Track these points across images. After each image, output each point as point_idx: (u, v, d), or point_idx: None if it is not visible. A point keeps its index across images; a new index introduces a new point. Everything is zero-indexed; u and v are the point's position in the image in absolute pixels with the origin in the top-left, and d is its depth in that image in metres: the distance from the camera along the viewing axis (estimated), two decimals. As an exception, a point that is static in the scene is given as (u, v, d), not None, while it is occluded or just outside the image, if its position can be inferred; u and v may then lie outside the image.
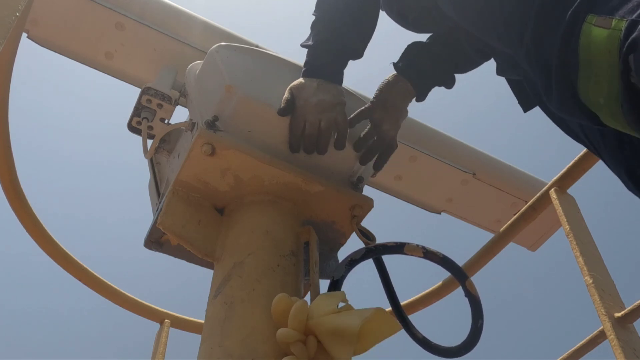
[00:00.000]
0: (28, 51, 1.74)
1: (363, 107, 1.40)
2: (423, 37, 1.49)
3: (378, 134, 1.40)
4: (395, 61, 1.45)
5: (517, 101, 1.28)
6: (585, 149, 1.55)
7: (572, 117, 0.91)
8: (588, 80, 0.79)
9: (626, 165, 0.93)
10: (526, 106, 1.23)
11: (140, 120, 1.60)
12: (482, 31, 1.09)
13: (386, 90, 1.42)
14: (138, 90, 1.62)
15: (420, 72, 1.43)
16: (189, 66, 1.59)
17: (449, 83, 1.49)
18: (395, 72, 1.44)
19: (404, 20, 1.41)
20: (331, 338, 0.99)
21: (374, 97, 1.42)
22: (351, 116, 1.37)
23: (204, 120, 1.28)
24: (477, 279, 1.73)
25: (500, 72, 1.33)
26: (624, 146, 0.92)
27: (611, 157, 0.96)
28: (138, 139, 1.60)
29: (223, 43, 1.48)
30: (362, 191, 1.43)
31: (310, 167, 1.35)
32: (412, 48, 1.47)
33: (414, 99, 1.47)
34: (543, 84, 0.90)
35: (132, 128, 1.62)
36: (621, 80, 0.73)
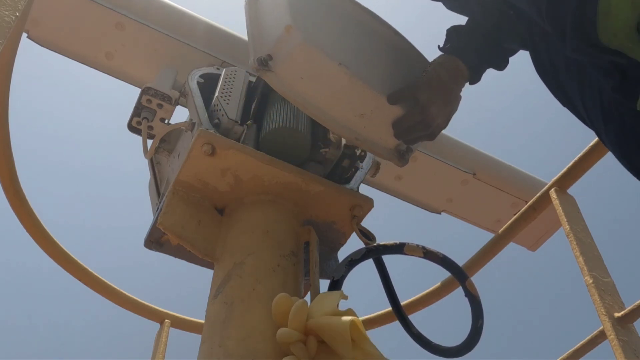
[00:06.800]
0: (28, 51, 1.74)
1: (405, 85, 1.23)
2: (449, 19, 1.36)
3: (423, 117, 1.22)
4: (441, 45, 1.30)
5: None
6: (585, 149, 1.55)
7: (586, 58, 0.90)
8: (606, 31, 0.79)
9: (626, 150, 0.93)
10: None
11: (140, 120, 1.60)
12: None
13: (433, 68, 1.25)
14: (138, 90, 1.62)
15: (471, 49, 1.27)
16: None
17: (501, 64, 1.33)
18: (441, 54, 1.29)
19: None
20: (333, 336, 0.99)
21: (420, 77, 1.25)
22: (391, 93, 1.21)
23: (256, 57, 1.16)
24: (477, 279, 1.73)
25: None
26: (626, 132, 0.92)
27: (612, 141, 0.96)
28: (139, 139, 1.60)
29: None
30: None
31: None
32: (457, 30, 1.31)
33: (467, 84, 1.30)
34: (557, 33, 0.90)
35: (132, 128, 1.62)
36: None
